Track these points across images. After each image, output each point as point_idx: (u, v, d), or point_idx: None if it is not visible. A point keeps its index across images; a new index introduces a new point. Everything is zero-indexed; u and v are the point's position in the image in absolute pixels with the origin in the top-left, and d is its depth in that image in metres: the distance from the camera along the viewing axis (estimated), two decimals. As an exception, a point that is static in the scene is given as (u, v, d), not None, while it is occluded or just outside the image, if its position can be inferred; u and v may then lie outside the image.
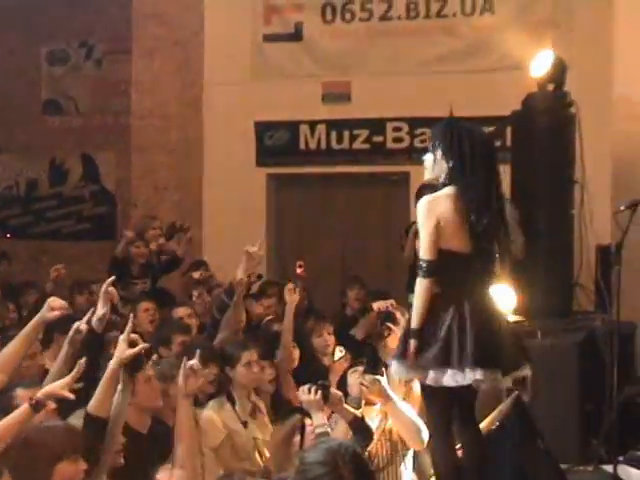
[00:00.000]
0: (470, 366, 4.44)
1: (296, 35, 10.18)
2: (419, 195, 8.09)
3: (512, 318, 6.49)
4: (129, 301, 7.28)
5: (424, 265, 4.55)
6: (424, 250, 4.57)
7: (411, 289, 8.10)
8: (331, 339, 6.48)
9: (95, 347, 4.56)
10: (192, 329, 6.25)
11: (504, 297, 6.31)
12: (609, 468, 5.89)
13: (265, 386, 5.58)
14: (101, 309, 4.60)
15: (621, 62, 8.15)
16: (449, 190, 4.57)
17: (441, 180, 4.67)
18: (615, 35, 8.29)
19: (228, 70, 10.18)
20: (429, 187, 4.94)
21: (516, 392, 5.34)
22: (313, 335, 6.47)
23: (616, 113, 8.22)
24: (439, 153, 4.67)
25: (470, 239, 4.58)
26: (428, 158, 4.78)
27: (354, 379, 5.01)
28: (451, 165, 4.62)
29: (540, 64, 7.66)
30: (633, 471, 6.07)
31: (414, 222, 5.68)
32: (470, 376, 4.44)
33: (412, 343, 4.54)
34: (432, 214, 4.55)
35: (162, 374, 4.70)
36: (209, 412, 5.05)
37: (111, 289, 4.68)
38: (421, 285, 4.56)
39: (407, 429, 4.87)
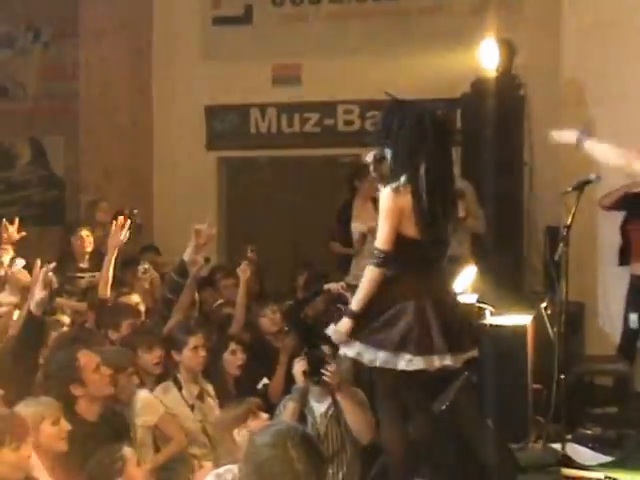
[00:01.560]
0: (438, 353, 4.48)
1: (246, 18, 10.12)
2: (357, 176, 8.14)
3: (472, 298, 6.62)
4: (73, 294, 7.11)
5: (380, 255, 4.50)
6: (383, 240, 4.51)
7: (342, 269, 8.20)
8: (277, 318, 6.44)
9: (35, 330, 4.52)
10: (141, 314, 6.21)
11: (465, 276, 6.41)
12: (558, 447, 5.96)
13: (233, 370, 5.60)
14: (39, 293, 4.54)
15: (570, 46, 8.21)
16: (404, 179, 4.54)
17: (389, 169, 4.65)
18: (564, 19, 8.34)
19: (177, 53, 10.10)
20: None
21: (465, 373, 5.38)
22: (258, 316, 6.45)
23: (565, 96, 8.28)
24: (385, 142, 4.65)
25: (425, 226, 4.58)
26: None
27: (299, 368, 5.00)
28: (392, 154, 4.60)
29: (489, 47, 7.71)
30: (581, 449, 6.16)
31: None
32: (437, 363, 4.48)
33: (347, 322, 4.54)
34: (397, 205, 4.50)
35: (110, 360, 4.65)
36: (144, 392, 5.02)
37: (50, 274, 4.64)
38: (372, 273, 4.52)
39: (357, 420, 4.92)
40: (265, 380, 5.75)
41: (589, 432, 6.55)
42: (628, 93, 7.53)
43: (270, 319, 6.39)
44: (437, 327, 4.48)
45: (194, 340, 5.28)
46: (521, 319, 6.71)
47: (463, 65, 8.03)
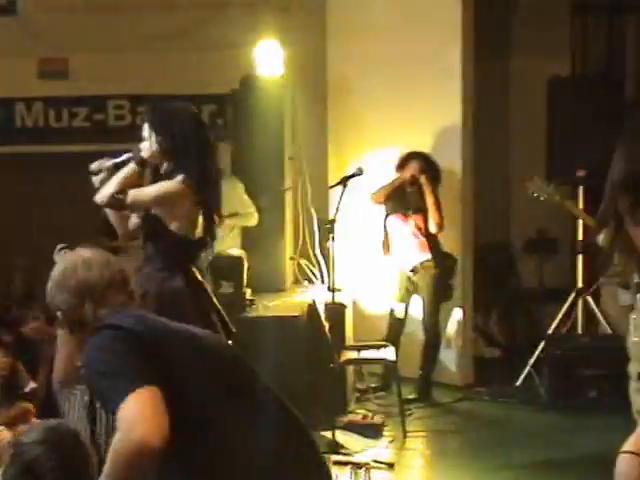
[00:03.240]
0: None
1: (9, 9, 9.75)
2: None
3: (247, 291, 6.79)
4: None
5: None
6: None
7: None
8: (41, 325, 6.24)
9: None
10: None
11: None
12: (328, 434, 6.17)
13: None
14: None
15: (334, 45, 8.45)
16: (180, 177, 4.57)
17: (165, 166, 4.68)
18: (329, 15, 8.58)
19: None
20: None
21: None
22: (22, 323, 6.25)
23: (331, 93, 8.53)
24: (153, 138, 4.67)
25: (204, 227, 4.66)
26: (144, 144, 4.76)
27: None
28: (164, 148, 4.63)
29: (258, 43, 7.85)
30: (350, 435, 6.39)
31: None
32: None
33: None
34: None
35: None
36: None
37: None
38: None
39: None
40: (32, 384, 5.57)
41: (358, 418, 6.79)
42: (389, 92, 7.87)
43: (34, 327, 6.20)
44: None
45: None
46: (294, 310, 6.89)
47: (234, 61, 8.11)
